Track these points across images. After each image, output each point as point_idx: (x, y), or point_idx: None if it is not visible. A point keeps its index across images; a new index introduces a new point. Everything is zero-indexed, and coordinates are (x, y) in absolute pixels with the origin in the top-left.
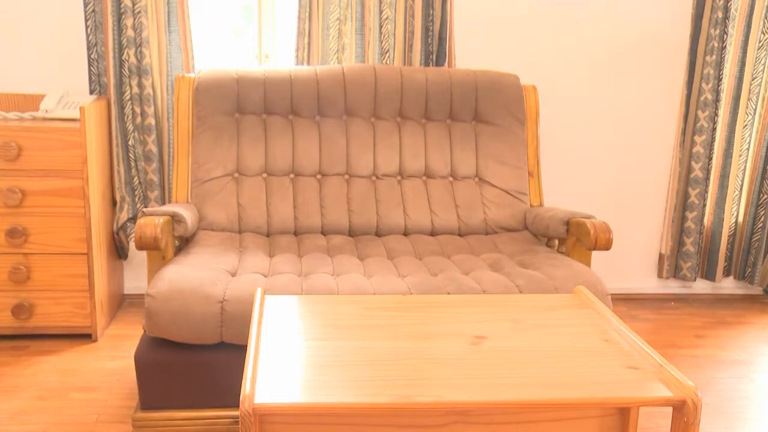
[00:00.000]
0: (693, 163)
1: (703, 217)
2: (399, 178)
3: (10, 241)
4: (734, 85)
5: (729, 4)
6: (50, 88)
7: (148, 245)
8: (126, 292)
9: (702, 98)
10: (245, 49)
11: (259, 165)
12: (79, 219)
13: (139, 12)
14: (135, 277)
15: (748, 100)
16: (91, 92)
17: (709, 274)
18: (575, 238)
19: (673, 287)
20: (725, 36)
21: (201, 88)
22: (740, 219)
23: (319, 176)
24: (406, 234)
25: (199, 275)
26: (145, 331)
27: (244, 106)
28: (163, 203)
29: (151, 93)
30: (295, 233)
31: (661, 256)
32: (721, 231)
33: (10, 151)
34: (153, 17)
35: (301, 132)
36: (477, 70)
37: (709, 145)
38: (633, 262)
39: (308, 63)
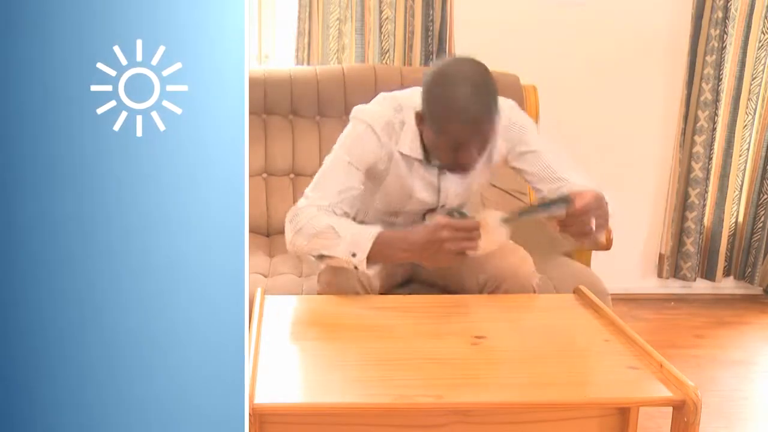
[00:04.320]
0: (693, 163)
1: (703, 217)
2: None
3: None
4: (734, 85)
5: (729, 4)
6: None
7: None
8: None
9: (702, 98)
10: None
11: (259, 165)
12: None
13: None
14: None
15: (748, 100)
16: None
17: (709, 274)
18: None
19: (673, 287)
20: (725, 36)
21: None
22: (740, 219)
23: None
24: None
25: None
26: None
27: None
28: None
29: None
30: None
31: (661, 256)
32: (721, 231)
33: None
34: None
35: (301, 132)
36: None
37: (709, 145)
38: (633, 262)
39: (308, 63)
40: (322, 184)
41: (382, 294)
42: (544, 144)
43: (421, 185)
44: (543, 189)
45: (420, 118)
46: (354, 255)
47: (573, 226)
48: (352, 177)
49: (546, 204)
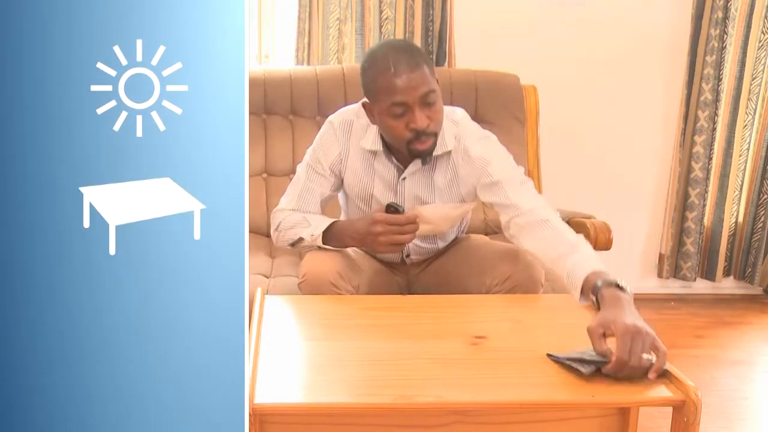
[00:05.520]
0: (693, 163)
1: (703, 217)
2: None
3: None
4: (734, 85)
5: (729, 4)
6: None
7: None
8: None
9: (702, 98)
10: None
11: (259, 165)
12: None
13: None
14: None
15: (748, 100)
16: None
17: (709, 274)
18: None
19: (673, 287)
20: (725, 36)
21: None
22: (740, 219)
23: None
24: None
25: None
26: None
27: None
28: None
29: None
30: None
31: (661, 256)
32: (721, 231)
33: None
34: None
35: (301, 132)
36: (477, 70)
37: (709, 145)
38: (633, 262)
39: (308, 63)
40: (291, 187)
41: None
42: (508, 173)
43: (381, 186)
44: (503, 219)
45: (368, 108)
46: (313, 235)
47: (622, 372)
48: (313, 179)
49: (581, 361)
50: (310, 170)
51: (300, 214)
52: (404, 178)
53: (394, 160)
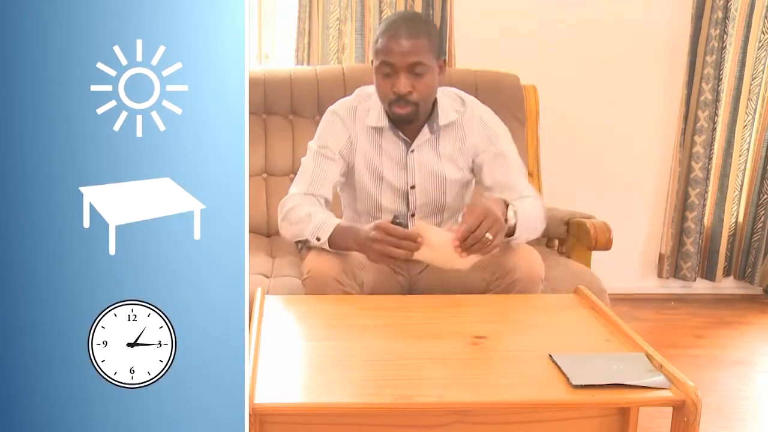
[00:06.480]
0: (693, 163)
1: (703, 217)
2: None
3: None
4: (734, 85)
5: (729, 4)
6: None
7: None
8: None
9: (702, 98)
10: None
11: (259, 165)
12: None
13: None
14: None
15: (748, 100)
16: None
17: (709, 274)
18: (575, 238)
19: (673, 287)
20: (725, 36)
21: None
22: (740, 219)
23: None
24: None
25: None
26: None
27: None
28: None
29: None
30: None
31: (661, 256)
32: (721, 231)
33: None
34: None
35: (301, 132)
36: (477, 70)
37: (709, 145)
38: (633, 262)
39: (308, 63)
40: (299, 176)
41: None
42: (515, 153)
43: (390, 164)
44: (506, 198)
45: (373, 68)
46: (318, 239)
47: (472, 244)
48: (322, 164)
49: (576, 371)
50: (318, 156)
51: (305, 210)
52: (413, 151)
53: (401, 135)
